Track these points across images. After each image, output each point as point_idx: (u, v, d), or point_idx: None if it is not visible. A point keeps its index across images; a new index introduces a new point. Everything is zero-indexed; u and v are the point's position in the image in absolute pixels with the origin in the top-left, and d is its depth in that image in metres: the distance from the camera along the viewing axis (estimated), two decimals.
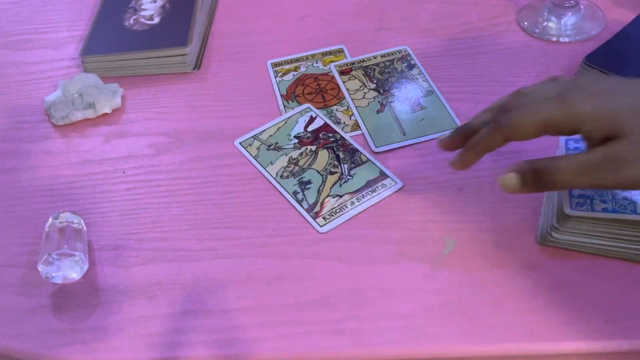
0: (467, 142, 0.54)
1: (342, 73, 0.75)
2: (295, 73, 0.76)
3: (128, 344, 0.54)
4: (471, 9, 0.82)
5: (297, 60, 0.78)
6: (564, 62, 0.73)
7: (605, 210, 0.52)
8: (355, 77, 0.75)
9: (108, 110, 0.74)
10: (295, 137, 0.69)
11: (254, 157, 0.67)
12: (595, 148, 0.47)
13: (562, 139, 0.58)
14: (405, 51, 0.77)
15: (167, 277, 0.58)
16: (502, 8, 0.82)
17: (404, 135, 0.68)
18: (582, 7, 0.78)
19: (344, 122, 0.70)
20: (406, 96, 0.72)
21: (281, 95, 0.74)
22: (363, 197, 0.62)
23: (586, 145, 0.49)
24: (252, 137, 0.69)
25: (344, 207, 0.62)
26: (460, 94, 0.71)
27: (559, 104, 0.47)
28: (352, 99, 0.72)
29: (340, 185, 0.64)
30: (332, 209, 0.62)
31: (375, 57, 0.77)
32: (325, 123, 0.70)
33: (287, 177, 0.65)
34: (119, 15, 0.83)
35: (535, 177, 0.49)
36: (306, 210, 0.62)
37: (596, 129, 0.46)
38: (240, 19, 0.85)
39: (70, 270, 0.57)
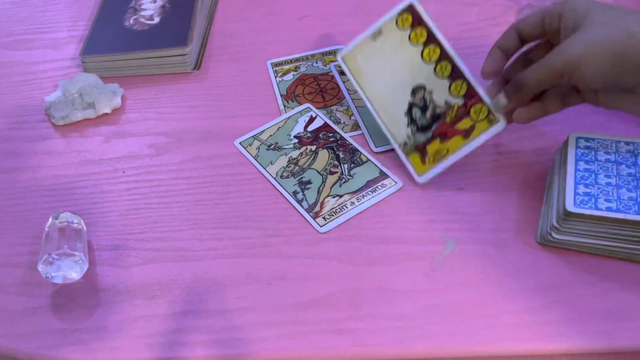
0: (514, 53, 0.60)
1: (342, 73, 0.75)
2: (295, 73, 0.76)
3: (128, 344, 0.54)
4: (471, 9, 0.82)
5: (297, 60, 0.78)
6: None
7: (609, 209, 0.52)
8: None
9: (108, 110, 0.74)
10: (295, 137, 0.69)
11: (254, 157, 0.67)
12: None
13: (572, 136, 0.58)
14: None
15: (167, 277, 0.58)
16: (502, 8, 0.82)
17: None
18: None
19: (344, 122, 0.70)
20: None
21: (281, 95, 0.74)
22: (363, 197, 0.62)
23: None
24: (252, 137, 0.69)
25: (344, 207, 0.62)
26: None
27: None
28: (352, 99, 0.72)
29: (340, 185, 0.64)
30: (332, 209, 0.62)
31: None
32: (325, 123, 0.70)
33: (287, 177, 0.65)
34: (119, 15, 0.83)
35: (512, 86, 0.56)
36: (306, 210, 0.62)
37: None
38: (240, 19, 0.85)
39: (70, 270, 0.57)
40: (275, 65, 0.78)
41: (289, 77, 0.76)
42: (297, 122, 0.70)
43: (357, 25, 0.81)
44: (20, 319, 0.56)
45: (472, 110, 0.58)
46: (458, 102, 0.58)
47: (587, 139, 0.58)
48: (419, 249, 0.58)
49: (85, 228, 0.61)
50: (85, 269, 0.57)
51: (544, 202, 0.59)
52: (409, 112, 0.59)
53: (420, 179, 0.57)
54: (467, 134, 0.58)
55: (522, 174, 0.62)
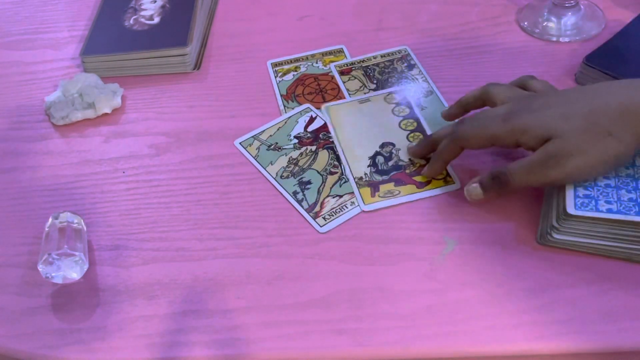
0: (432, 150, 0.63)
1: (342, 73, 0.76)
2: (295, 73, 0.76)
3: (128, 344, 0.54)
4: (471, 9, 0.82)
5: (297, 60, 0.78)
6: (563, 62, 0.73)
7: (609, 210, 0.52)
8: (355, 77, 0.75)
9: (108, 110, 0.74)
10: (295, 137, 0.69)
11: (254, 157, 0.67)
12: (538, 150, 0.55)
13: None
14: (405, 51, 0.77)
15: (167, 277, 0.58)
16: (502, 8, 0.82)
17: None
18: (582, 7, 0.78)
19: None
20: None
21: (281, 95, 0.74)
22: None
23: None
24: (252, 137, 0.69)
25: (344, 207, 0.62)
26: (460, 94, 0.71)
27: (501, 122, 0.57)
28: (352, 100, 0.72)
29: (340, 185, 0.64)
30: (332, 209, 0.62)
31: (375, 57, 0.77)
32: (325, 123, 0.70)
33: (287, 177, 0.65)
34: (119, 15, 0.83)
35: (494, 182, 0.58)
36: (306, 210, 0.62)
37: (530, 138, 0.55)
38: (240, 19, 0.85)
39: (70, 270, 0.57)
40: (275, 65, 0.78)
41: (289, 77, 0.76)
42: (297, 122, 0.70)
43: (357, 25, 0.82)
44: (20, 319, 0.56)
45: None
46: (421, 162, 0.64)
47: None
48: (419, 249, 0.58)
49: (85, 228, 0.61)
50: (85, 269, 0.57)
51: (544, 202, 0.59)
52: (373, 157, 0.65)
53: (366, 207, 0.61)
54: (421, 185, 0.63)
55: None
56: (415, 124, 0.68)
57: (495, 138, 0.57)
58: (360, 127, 0.68)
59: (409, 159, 0.65)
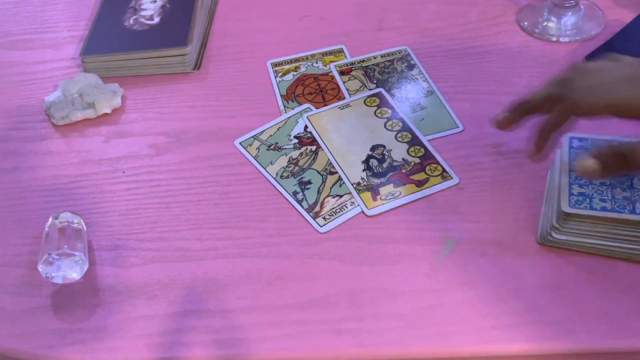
0: (524, 118, 0.55)
1: (342, 73, 0.75)
2: (295, 73, 0.76)
3: (128, 344, 0.54)
4: (471, 9, 0.82)
5: (297, 60, 0.78)
6: (564, 62, 0.73)
7: (604, 209, 0.53)
8: (355, 77, 0.75)
9: (108, 110, 0.74)
10: (295, 137, 0.69)
11: (254, 157, 0.67)
12: None
13: (565, 136, 0.58)
14: (405, 51, 0.77)
15: (167, 277, 0.58)
16: (502, 8, 0.81)
17: None
18: (582, 7, 0.78)
19: None
20: (406, 96, 0.72)
21: (281, 95, 0.74)
22: None
23: None
24: (252, 137, 0.69)
25: (344, 207, 0.62)
26: (460, 94, 0.71)
27: (633, 87, 0.46)
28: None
29: (340, 185, 0.64)
30: (332, 209, 0.62)
31: (375, 57, 0.77)
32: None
33: (287, 177, 0.65)
34: (119, 15, 0.83)
35: (619, 159, 0.50)
36: (306, 210, 0.62)
37: None
38: (240, 19, 0.85)
39: (70, 270, 0.57)
40: (275, 65, 0.78)
41: (289, 77, 0.76)
42: (297, 122, 0.70)
43: (357, 25, 0.82)
44: (20, 319, 0.56)
45: (427, 167, 0.64)
46: (415, 160, 0.64)
47: (580, 139, 0.58)
48: (419, 249, 0.58)
49: (85, 228, 0.61)
50: (85, 269, 0.57)
51: (544, 202, 0.59)
52: (366, 161, 0.65)
53: (370, 212, 0.61)
54: (420, 183, 0.62)
55: (522, 174, 0.62)
56: (400, 124, 0.68)
57: (620, 108, 0.47)
58: (347, 133, 0.68)
59: (402, 159, 0.64)
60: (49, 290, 0.58)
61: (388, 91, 0.72)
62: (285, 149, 0.68)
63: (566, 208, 0.53)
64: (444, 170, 0.63)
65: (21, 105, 0.76)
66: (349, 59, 0.77)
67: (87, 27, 0.84)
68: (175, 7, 0.83)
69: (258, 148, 0.68)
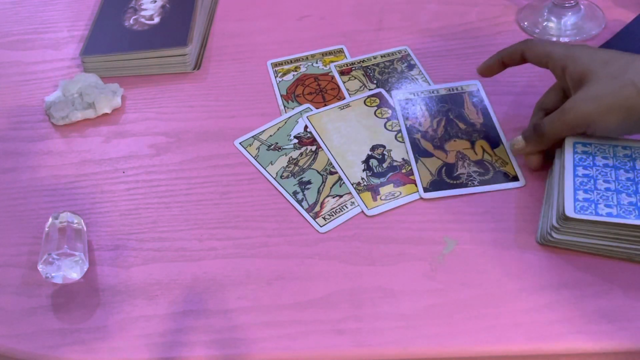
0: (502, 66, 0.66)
1: (342, 73, 0.76)
2: (295, 73, 0.76)
3: (128, 344, 0.54)
4: (471, 9, 0.82)
5: (297, 60, 0.78)
6: None
7: (609, 214, 0.52)
8: (355, 77, 0.75)
9: (108, 110, 0.74)
10: (295, 137, 0.69)
11: (254, 157, 0.67)
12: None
13: (569, 141, 0.58)
14: (405, 51, 0.77)
15: (167, 277, 0.58)
16: (502, 8, 0.82)
17: None
18: (582, 7, 0.78)
19: None
20: None
21: (281, 95, 0.74)
22: None
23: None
24: (252, 137, 0.69)
25: (344, 207, 0.62)
26: None
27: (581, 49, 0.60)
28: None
29: (340, 186, 0.64)
30: (332, 209, 0.62)
31: (375, 57, 0.77)
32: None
33: (287, 177, 0.65)
34: (119, 15, 0.83)
35: (534, 131, 0.59)
36: (306, 210, 0.62)
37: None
38: (240, 19, 0.85)
39: (70, 270, 0.57)
40: (275, 65, 0.78)
41: (289, 77, 0.76)
42: (297, 122, 0.70)
43: (357, 25, 0.82)
44: (20, 319, 0.56)
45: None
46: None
47: (584, 144, 0.58)
48: (419, 249, 0.58)
49: (85, 228, 0.61)
50: (85, 269, 0.57)
51: (544, 202, 0.59)
52: (366, 161, 0.65)
53: (370, 212, 0.61)
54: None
55: (522, 174, 0.62)
56: (399, 124, 0.68)
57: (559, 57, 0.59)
58: (347, 133, 0.68)
59: (402, 159, 0.64)
60: (49, 290, 0.58)
61: (388, 91, 0.72)
62: (285, 149, 0.68)
63: (571, 213, 0.53)
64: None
65: (21, 105, 0.76)
66: (349, 59, 0.77)
67: (87, 27, 0.84)
68: (175, 7, 0.83)
69: (258, 148, 0.68)
